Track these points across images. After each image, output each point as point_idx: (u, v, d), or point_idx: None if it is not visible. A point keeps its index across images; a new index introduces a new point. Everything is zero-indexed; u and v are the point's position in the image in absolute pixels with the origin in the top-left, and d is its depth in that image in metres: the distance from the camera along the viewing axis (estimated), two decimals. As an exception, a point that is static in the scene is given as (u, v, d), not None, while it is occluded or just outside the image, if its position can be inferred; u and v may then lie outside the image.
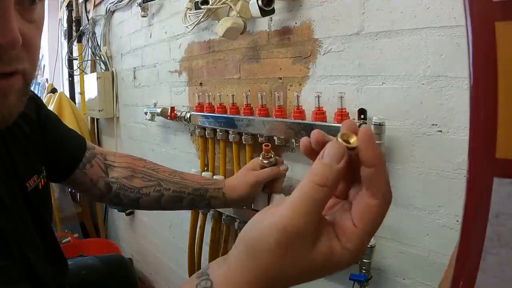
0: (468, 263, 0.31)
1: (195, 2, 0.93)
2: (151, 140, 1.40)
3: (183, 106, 1.16)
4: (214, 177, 0.96)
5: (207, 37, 1.03)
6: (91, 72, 1.85)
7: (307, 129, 0.71)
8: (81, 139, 0.74)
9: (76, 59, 2.06)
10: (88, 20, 1.88)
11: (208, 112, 0.96)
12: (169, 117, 1.10)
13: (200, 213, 1.06)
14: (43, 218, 0.60)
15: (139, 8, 1.29)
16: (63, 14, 2.25)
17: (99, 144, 2.00)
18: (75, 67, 2.11)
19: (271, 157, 0.76)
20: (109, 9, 1.63)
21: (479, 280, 0.30)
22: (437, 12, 0.56)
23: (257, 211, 0.82)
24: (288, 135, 0.75)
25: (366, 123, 0.65)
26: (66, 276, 0.67)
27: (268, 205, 0.81)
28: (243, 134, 0.87)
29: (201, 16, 0.90)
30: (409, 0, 0.59)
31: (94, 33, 1.84)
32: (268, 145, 0.75)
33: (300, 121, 0.73)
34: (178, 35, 1.16)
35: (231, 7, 0.82)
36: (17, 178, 0.54)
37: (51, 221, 0.65)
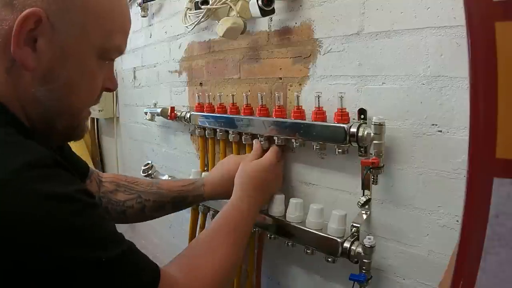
0: (468, 263, 0.31)
1: (195, 2, 0.93)
2: (151, 140, 1.40)
3: (183, 106, 1.16)
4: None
5: (207, 37, 1.03)
6: (91, 72, 1.85)
7: (307, 129, 0.71)
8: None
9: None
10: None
11: (208, 112, 0.96)
12: (169, 117, 1.10)
13: (200, 213, 1.05)
14: None
15: (139, 8, 1.29)
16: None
17: (99, 144, 2.00)
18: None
19: None
20: (109, 9, 1.63)
21: (479, 280, 0.30)
22: (437, 12, 0.56)
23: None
24: (288, 135, 0.75)
25: (366, 123, 0.65)
26: None
27: (268, 205, 0.81)
28: (243, 134, 0.87)
29: (201, 16, 0.90)
30: (409, 0, 0.59)
31: (94, 33, 1.83)
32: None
33: (300, 121, 0.73)
34: (178, 35, 1.16)
35: (231, 7, 0.82)
36: None
37: None
